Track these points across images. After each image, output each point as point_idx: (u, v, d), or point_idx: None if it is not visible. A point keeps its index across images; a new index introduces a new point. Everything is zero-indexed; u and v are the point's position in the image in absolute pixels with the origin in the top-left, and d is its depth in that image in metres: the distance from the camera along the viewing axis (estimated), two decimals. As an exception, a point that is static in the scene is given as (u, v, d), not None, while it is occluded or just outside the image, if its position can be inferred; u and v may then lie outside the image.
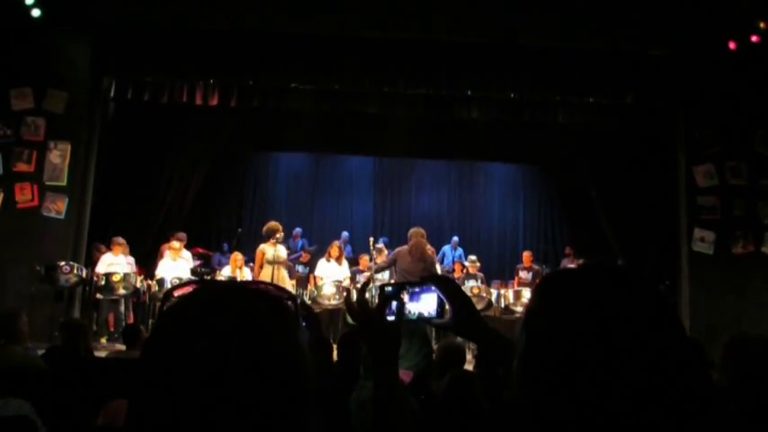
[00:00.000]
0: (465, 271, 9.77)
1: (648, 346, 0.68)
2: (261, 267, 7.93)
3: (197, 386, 0.65)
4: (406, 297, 1.15)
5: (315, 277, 9.03)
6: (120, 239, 8.49)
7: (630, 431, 0.66)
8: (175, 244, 8.82)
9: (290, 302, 0.80)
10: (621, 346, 0.68)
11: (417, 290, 1.17)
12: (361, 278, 9.16)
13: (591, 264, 0.80)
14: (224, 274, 8.88)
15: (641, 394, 0.66)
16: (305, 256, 9.38)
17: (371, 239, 9.29)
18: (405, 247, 7.63)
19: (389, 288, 1.17)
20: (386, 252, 9.56)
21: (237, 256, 8.98)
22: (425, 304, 1.16)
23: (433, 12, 8.03)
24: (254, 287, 0.78)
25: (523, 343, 0.75)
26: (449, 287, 1.17)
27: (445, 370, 2.84)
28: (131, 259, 8.67)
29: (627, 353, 0.68)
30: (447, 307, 1.15)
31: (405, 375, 1.39)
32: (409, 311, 1.15)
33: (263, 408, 0.66)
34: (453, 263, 10.70)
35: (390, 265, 7.81)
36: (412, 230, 7.83)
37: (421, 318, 1.16)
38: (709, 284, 7.99)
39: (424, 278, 1.18)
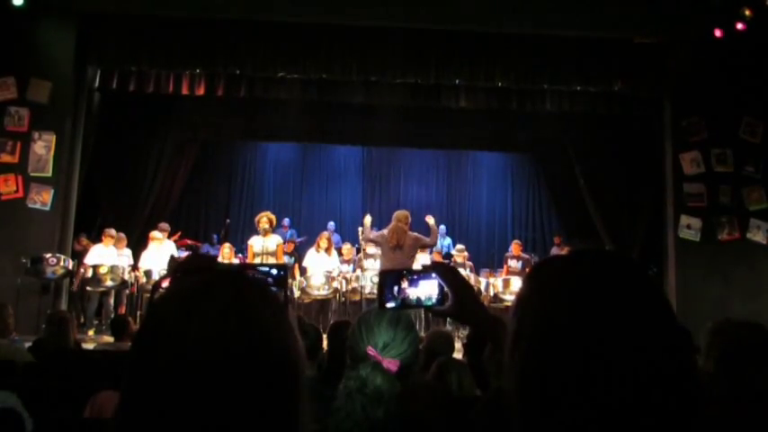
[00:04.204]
0: (453, 260, 9.80)
1: (638, 330, 0.68)
2: (252, 260, 7.93)
3: (189, 375, 0.65)
4: (405, 283, 1.16)
5: (301, 267, 9.01)
6: (113, 232, 8.44)
7: (619, 416, 0.66)
8: (158, 234, 8.77)
9: (278, 287, 0.80)
10: (611, 331, 0.68)
11: (416, 276, 1.17)
12: (345, 268, 9.12)
13: (581, 249, 0.80)
14: (213, 265, 8.82)
15: (630, 380, 0.66)
16: (289, 246, 9.34)
17: (360, 229, 9.28)
18: (387, 234, 7.25)
19: (389, 275, 1.18)
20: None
21: (227, 248, 8.95)
22: (424, 290, 1.17)
23: (419, 0, 8.00)
24: (242, 274, 0.78)
25: (513, 329, 0.75)
26: (448, 273, 1.17)
27: (433, 358, 2.85)
28: (128, 251, 8.62)
29: (616, 338, 0.68)
30: (447, 294, 1.16)
31: (391, 364, 1.39)
32: (408, 297, 1.16)
33: (258, 394, 0.66)
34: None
35: (376, 240, 7.52)
36: (395, 213, 7.40)
37: (420, 304, 1.17)
38: (696, 271, 8.07)
39: (425, 266, 1.20)
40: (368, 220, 7.73)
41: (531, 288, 0.77)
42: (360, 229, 8.62)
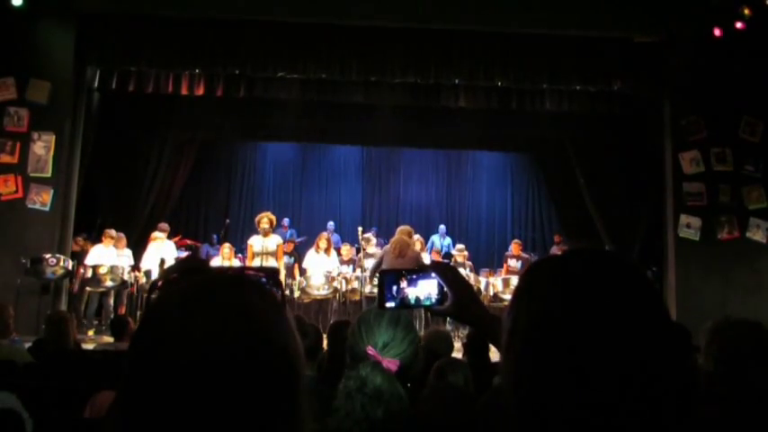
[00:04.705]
0: (453, 259, 9.81)
1: (631, 328, 0.68)
2: (251, 260, 7.95)
3: (189, 374, 0.65)
4: (404, 283, 1.16)
5: (300, 267, 9.02)
6: (113, 232, 8.46)
7: (614, 415, 0.66)
8: (158, 234, 8.78)
9: (275, 288, 0.80)
10: (604, 329, 0.68)
11: (415, 276, 1.17)
12: (345, 268, 9.14)
13: (577, 249, 0.80)
14: (213, 265, 8.82)
15: (623, 377, 0.66)
16: (289, 246, 9.35)
17: (360, 229, 9.30)
18: (389, 246, 7.53)
19: (389, 274, 1.18)
20: (374, 241, 9.57)
21: (227, 248, 8.95)
22: (423, 290, 1.17)
23: (419, 0, 8.00)
24: (239, 273, 0.78)
25: (508, 328, 0.75)
26: (448, 273, 1.17)
27: (433, 358, 2.86)
28: (129, 252, 8.63)
29: (609, 336, 0.68)
30: (446, 293, 1.16)
31: (391, 364, 1.39)
32: (408, 297, 1.16)
33: (258, 393, 0.66)
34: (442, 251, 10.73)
35: (379, 263, 7.69)
36: (399, 228, 7.69)
37: (420, 303, 1.17)
38: (696, 270, 8.07)
39: (424, 266, 1.19)
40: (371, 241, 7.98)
41: (525, 287, 0.77)
42: (360, 235, 8.69)
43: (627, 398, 0.66)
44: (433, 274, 1.17)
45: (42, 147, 7.87)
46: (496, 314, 1.19)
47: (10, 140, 7.85)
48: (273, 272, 0.88)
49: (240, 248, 9.65)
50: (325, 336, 4.09)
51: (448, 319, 6.78)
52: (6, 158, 7.83)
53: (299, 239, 10.99)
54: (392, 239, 7.50)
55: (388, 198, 13.68)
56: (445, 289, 1.16)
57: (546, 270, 0.78)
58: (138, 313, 8.13)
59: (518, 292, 0.78)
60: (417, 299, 1.16)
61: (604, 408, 0.66)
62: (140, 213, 9.84)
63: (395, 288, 1.16)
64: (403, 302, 1.16)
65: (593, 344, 0.68)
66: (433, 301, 1.17)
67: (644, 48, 8.30)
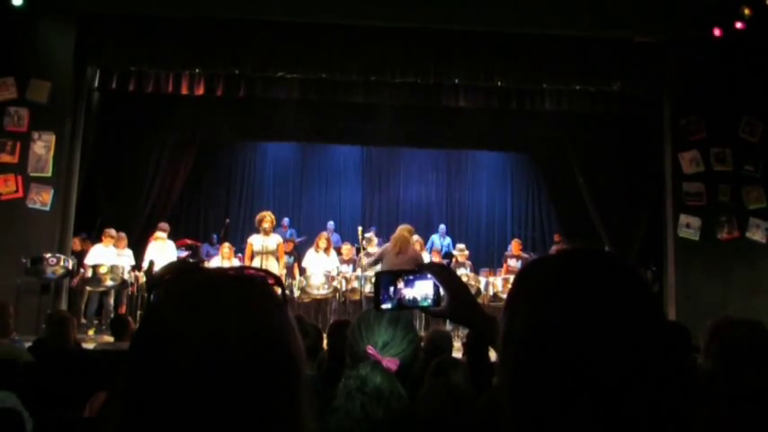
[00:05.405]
0: (454, 259, 9.80)
1: (626, 329, 0.69)
2: (251, 259, 7.94)
3: (192, 373, 0.65)
4: (401, 284, 1.16)
5: (300, 267, 9.02)
6: (113, 232, 8.46)
7: (611, 416, 0.66)
8: (160, 234, 8.78)
9: (276, 286, 0.80)
10: (599, 330, 0.68)
11: (412, 277, 1.17)
12: (345, 267, 9.14)
13: (571, 249, 0.80)
14: (212, 265, 8.84)
15: (621, 379, 0.66)
16: (288, 245, 9.35)
17: (360, 229, 9.30)
18: (389, 243, 7.59)
19: (385, 275, 1.18)
20: (375, 240, 9.57)
21: (226, 247, 8.95)
22: (420, 291, 1.17)
23: (419, 0, 8.00)
24: (240, 273, 0.78)
25: (503, 330, 0.75)
26: (444, 274, 1.17)
27: (433, 358, 2.86)
28: (129, 252, 8.62)
29: (604, 337, 0.68)
30: (442, 294, 1.16)
31: (391, 363, 1.39)
32: (404, 298, 1.16)
33: (260, 392, 0.67)
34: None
35: (379, 259, 7.71)
36: (400, 226, 7.72)
37: (416, 304, 1.17)
38: (695, 270, 8.06)
39: (420, 266, 1.19)
40: (372, 241, 7.97)
41: (519, 289, 0.77)
42: (361, 235, 8.69)
43: (623, 398, 0.66)
44: (429, 275, 1.17)
45: (42, 146, 7.87)
46: (493, 315, 1.19)
47: (10, 140, 7.85)
48: (278, 280, 0.88)
49: (240, 248, 9.65)
50: (325, 335, 4.09)
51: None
52: (6, 158, 7.83)
53: (299, 239, 10.98)
54: (393, 236, 7.53)
55: (388, 198, 13.67)
56: (441, 290, 1.16)
57: (541, 270, 0.78)
58: (139, 313, 8.13)
59: (513, 293, 0.78)
60: (414, 299, 1.16)
61: (601, 409, 0.66)
62: (140, 213, 9.84)
63: (391, 289, 1.16)
64: (399, 303, 1.16)
65: (589, 344, 0.68)
66: (430, 302, 1.17)
67: (644, 48, 8.29)
